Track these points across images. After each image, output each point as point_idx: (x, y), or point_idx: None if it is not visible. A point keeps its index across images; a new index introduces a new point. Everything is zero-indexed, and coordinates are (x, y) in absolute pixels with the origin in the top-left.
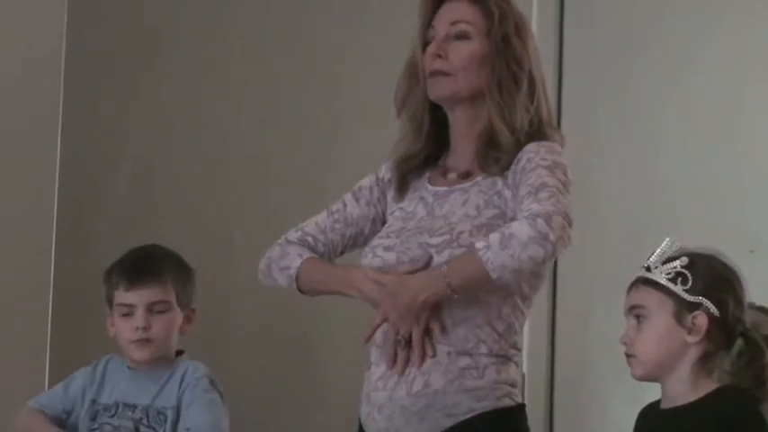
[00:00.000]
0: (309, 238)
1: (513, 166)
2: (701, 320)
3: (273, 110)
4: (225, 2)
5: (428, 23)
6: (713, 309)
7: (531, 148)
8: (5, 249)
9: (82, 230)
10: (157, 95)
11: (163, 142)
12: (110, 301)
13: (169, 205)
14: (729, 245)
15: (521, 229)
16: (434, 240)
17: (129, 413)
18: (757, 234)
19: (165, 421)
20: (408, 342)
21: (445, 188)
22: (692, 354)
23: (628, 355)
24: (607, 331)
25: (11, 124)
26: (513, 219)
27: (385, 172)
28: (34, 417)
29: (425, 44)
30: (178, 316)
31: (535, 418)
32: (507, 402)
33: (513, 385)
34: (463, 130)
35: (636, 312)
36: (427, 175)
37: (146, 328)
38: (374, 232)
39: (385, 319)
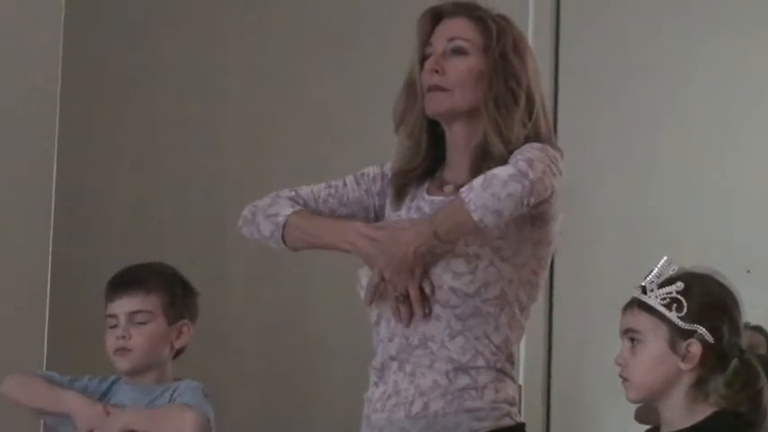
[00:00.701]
0: (301, 201)
1: None
2: (695, 349)
3: (270, 123)
4: (221, 14)
5: (426, 41)
6: (708, 336)
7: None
8: (2, 253)
9: (78, 237)
10: (153, 106)
11: (159, 151)
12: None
13: (165, 214)
14: (726, 264)
15: (502, 169)
16: None
17: None
18: (754, 254)
19: None
20: (407, 297)
21: (441, 198)
22: (687, 380)
23: (622, 378)
24: (603, 350)
25: (7, 133)
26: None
27: (390, 169)
28: (34, 378)
29: (423, 61)
30: (163, 328)
31: None
32: (507, 422)
33: (511, 404)
34: (460, 146)
35: (630, 336)
36: (426, 185)
37: (124, 337)
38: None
39: (382, 278)
